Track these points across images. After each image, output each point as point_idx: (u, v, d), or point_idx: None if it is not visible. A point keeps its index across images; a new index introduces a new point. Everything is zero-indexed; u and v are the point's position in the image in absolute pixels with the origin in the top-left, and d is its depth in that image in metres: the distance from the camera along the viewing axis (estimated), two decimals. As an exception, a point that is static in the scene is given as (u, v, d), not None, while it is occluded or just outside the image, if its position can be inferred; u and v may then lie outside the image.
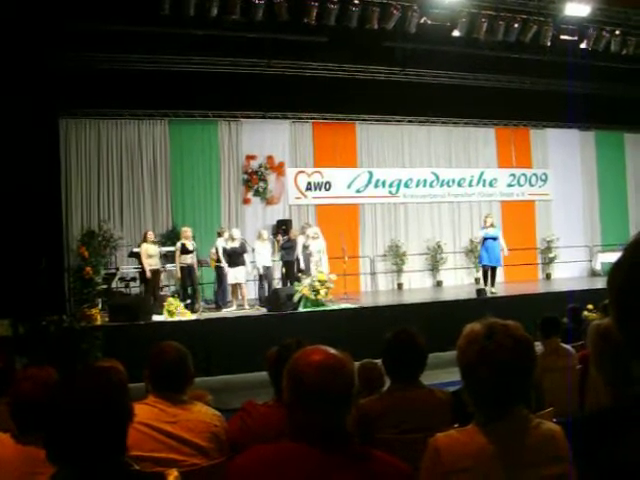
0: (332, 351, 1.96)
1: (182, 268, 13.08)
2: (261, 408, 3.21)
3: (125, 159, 15.93)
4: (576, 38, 14.38)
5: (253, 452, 1.97)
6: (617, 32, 14.43)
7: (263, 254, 13.82)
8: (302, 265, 13.64)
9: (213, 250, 13.69)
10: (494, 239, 14.13)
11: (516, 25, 13.82)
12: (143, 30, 13.12)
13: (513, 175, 19.42)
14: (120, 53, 13.67)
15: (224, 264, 13.29)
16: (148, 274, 12.74)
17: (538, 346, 5.23)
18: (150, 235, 13.08)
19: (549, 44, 14.27)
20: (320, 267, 13.55)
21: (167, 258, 13.81)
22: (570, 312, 8.01)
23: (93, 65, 13.61)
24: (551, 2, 13.42)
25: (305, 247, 13.80)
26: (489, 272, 14.36)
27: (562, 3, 13.21)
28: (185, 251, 13.06)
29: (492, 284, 14.25)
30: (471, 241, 18.23)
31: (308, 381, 1.87)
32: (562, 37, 14.31)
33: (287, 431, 1.96)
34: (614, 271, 1.19)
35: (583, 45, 14.54)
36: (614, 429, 1.46)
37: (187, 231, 13.34)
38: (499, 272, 18.62)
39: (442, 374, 7.04)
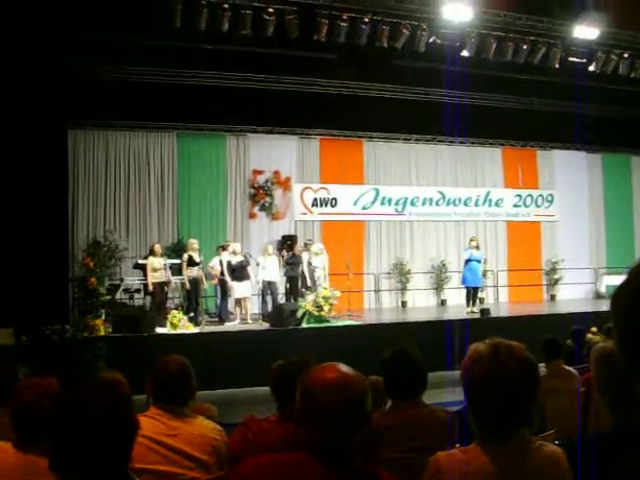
0: (346, 370, 1.96)
1: (189, 280, 13.11)
2: (262, 423, 3.20)
3: (133, 171, 15.98)
4: (584, 60, 14.43)
5: (254, 460, 1.99)
6: (625, 55, 14.49)
7: (269, 269, 13.83)
8: (309, 282, 13.66)
9: (212, 264, 13.69)
10: (478, 261, 14.36)
11: (525, 46, 13.90)
12: (154, 43, 13.22)
13: (519, 196, 19.43)
14: (130, 65, 13.77)
15: (228, 278, 13.33)
16: (150, 287, 12.78)
17: (541, 368, 5.22)
18: (157, 248, 13.10)
19: (557, 66, 14.33)
20: (323, 283, 13.59)
21: (172, 270, 13.82)
22: (574, 334, 7.99)
23: (103, 76, 13.70)
24: (560, 24, 13.49)
25: (309, 263, 13.88)
26: (472, 293, 14.61)
27: (571, 26, 13.27)
28: (192, 263, 13.09)
29: (474, 304, 14.47)
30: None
31: (321, 399, 1.87)
32: (571, 59, 14.36)
33: (293, 443, 1.96)
34: (618, 293, 1.19)
35: (592, 67, 14.59)
36: (617, 452, 1.46)
37: (194, 243, 13.40)
38: (502, 292, 18.67)
39: (445, 393, 7.02)
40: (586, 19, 12.91)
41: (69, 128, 14.58)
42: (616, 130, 17.92)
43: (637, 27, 13.72)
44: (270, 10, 12.29)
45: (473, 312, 14.22)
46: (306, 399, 1.92)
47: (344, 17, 12.70)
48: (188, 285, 13.18)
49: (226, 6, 12.08)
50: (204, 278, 13.43)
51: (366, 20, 12.85)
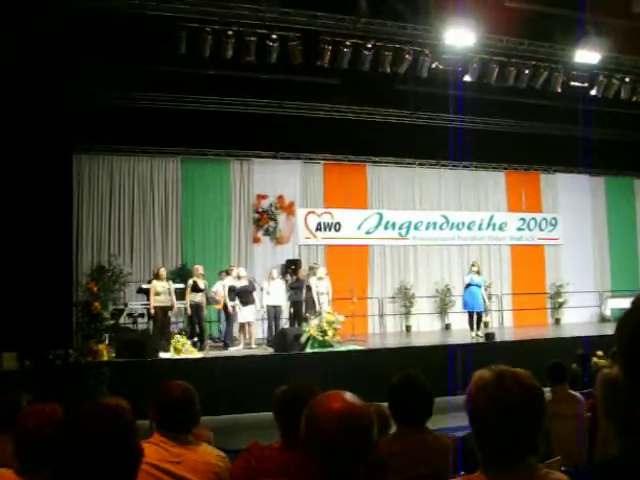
0: (352, 399, 1.93)
1: (191, 305, 13.10)
2: (265, 450, 3.18)
3: (137, 195, 16.05)
4: (586, 85, 14.51)
5: None
6: (627, 79, 14.56)
7: (273, 293, 13.81)
8: (317, 307, 13.61)
9: (215, 289, 13.68)
10: (478, 286, 14.38)
11: (527, 71, 13.98)
12: (159, 69, 13.34)
13: (523, 219, 19.45)
14: (135, 91, 13.87)
15: (235, 302, 13.32)
16: (152, 311, 12.79)
17: (546, 392, 5.19)
18: (162, 272, 13.12)
19: (559, 90, 14.40)
20: (327, 307, 13.58)
21: (175, 295, 13.82)
22: (579, 358, 7.95)
23: (108, 101, 13.79)
24: (561, 49, 13.58)
25: (310, 288, 13.88)
26: (475, 317, 14.54)
27: (572, 50, 13.36)
28: (196, 289, 13.10)
29: (478, 328, 14.45)
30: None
31: (327, 429, 1.84)
32: (572, 83, 14.44)
33: (296, 471, 1.94)
34: (622, 322, 1.20)
35: (593, 91, 14.66)
36: (623, 478, 1.45)
37: (199, 269, 13.42)
38: (507, 316, 18.61)
39: (449, 419, 6.97)
40: (587, 44, 12.99)
41: (74, 153, 14.65)
42: (619, 153, 17.97)
43: (638, 52, 13.80)
44: (274, 37, 12.40)
45: (478, 336, 14.17)
46: (311, 428, 1.90)
47: (347, 43, 12.81)
48: (189, 310, 13.18)
49: (230, 33, 12.19)
50: (205, 303, 13.42)
51: (369, 46, 12.96)
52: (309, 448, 1.89)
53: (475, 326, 14.52)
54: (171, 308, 13.12)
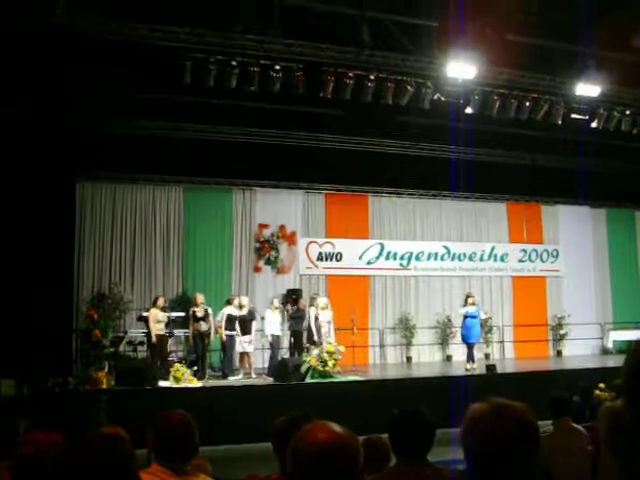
0: (338, 430, 1.91)
1: (194, 335, 13.05)
2: (264, 481, 3.15)
3: (139, 223, 16.07)
4: (587, 117, 14.60)
5: None
6: (627, 112, 14.65)
7: (273, 323, 13.77)
8: (315, 337, 13.55)
9: (218, 318, 13.68)
10: (474, 317, 14.40)
11: (528, 103, 14.08)
12: (162, 97, 13.43)
13: (524, 250, 19.45)
14: (138, 119, 13.95)
15: (233, 332, 13.26)
16: (154, 339, 12.74)
17: (548, 426, 5.13)
18: (160, 301, 13.10)
19: (560, 122, 14.50)
20: (329, 338, 13.52)
21: (176, 324, 13.78)
22: (581, 391, 7.89)
23: (111, 129, 13.87)
24: (562, 82, 13.68)
25: (316, 318, 13.82)
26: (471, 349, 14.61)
27: (573, 83, 13.46)
28: (195, 318, 13.05)
29: (468, 360, 14.60)
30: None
31: (311, 460, 1.83)
32: (573, 116, 14.54)
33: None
34: (629, 357, 1.20)
35: (594, 124, 14.75)
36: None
37: (198, 297, 13.38)
38: (508, 348, 18.52)
39: (449, 451, 6.90)
40: (588, 77, 13.10)
41: (77, 180, 14.71)
42: (619, 185, 18.02)
43: (638, 85, 13.90)
44: (277, 67, 12.50)
45: (468, 369, 14.18)
46: (297, 459, 1.88)
47: (350, 74, 12.91)
48: (191, 340, 13.13)
49: (234, 63, 12.30)
50: (212, 331, 13.36)
51: (371, 77, 13.05)
52: (294, 478, 1.88)
53: (466, 358, 14.57)
54: (169, 337, 13.09)
